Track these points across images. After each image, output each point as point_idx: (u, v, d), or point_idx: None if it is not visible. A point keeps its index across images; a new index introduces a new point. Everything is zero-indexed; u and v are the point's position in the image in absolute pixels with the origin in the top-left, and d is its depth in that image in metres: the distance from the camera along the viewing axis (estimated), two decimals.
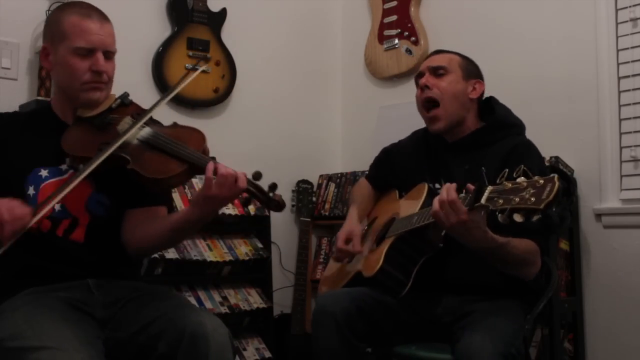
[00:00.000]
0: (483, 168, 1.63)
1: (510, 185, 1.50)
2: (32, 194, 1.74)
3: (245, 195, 1.67)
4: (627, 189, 2.59)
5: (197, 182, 2.97)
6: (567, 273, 2.63)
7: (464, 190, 1.68)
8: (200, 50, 3.14)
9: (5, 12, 2.69)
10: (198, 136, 1.77)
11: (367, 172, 2.43)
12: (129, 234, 1.81)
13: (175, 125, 1.86)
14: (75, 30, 1.75)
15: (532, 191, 1.44)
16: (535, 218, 1.44)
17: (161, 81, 3.08)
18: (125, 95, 1.86)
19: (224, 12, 3.25)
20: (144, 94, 3.01)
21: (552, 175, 1.46)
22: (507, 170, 1.55)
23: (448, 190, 1.68)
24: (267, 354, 3.00)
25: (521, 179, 1.49)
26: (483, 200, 1.54)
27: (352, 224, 2.23)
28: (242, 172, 1.65)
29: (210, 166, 1.63)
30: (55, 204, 1.70)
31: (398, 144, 2.32)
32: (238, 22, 3.32)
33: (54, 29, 1.79)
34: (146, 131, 1.76)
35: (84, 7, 1.81)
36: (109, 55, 1.80)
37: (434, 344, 1.97)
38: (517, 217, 1.46)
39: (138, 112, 1.83)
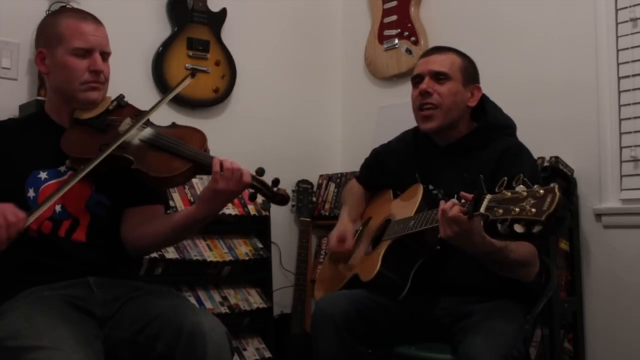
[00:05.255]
0: (481, 176, 1.62)
1: (509, 194, 1.48)
2: (33, 196, 1.74)
3: (250, 190, 1.72)
4: (627, 189, 2.59)
5: (197, 182, 2.97)
6: (567, 273, 2.63)
7: (459, 198, 1.68)
8: (200, 50, 3.14)
9: (5, 12, 2.70)
10: (199, 135, 1.80)
11: (357, 173, 2.40)
12: (129, 233, 1.83)
13: (174, 125, 1.89)
14: (73, 32, 1.78)
15: (532, 201, 1.42)
16: (536, 229, 1.42)
17: (161, 81, 3.08)
18: (121, 97, 1.88)
19: (224, 12, 3.25)
20: (144, 93, 3.02)
21: (552, 185, 1.44)
22: (505, 178, 1.53)
23: (451, 207, 1.67)
24: (267, 354, 3.00)
25: (521, 188, 1.47)
26: (482, 209, 1.53)
27: (345, 224, 2.23)
28: (246, 168, 1.70)
29: (216, 161, 1.67)
30: (55, 205, 1.73)
31: (388, 145, 2.29)
32: (238, 22, 3.32)
33: (49, 33, 1.81)
34: (147, 131, 1.78)
35: (78, 11, 1.86)
36: (105, 56, 1.83)
37: (433, 344, 1.97)
38: (518, 228, 1.44)
39: (136, 114, 1.85)
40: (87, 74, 1.79)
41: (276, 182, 1.73)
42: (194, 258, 2.82)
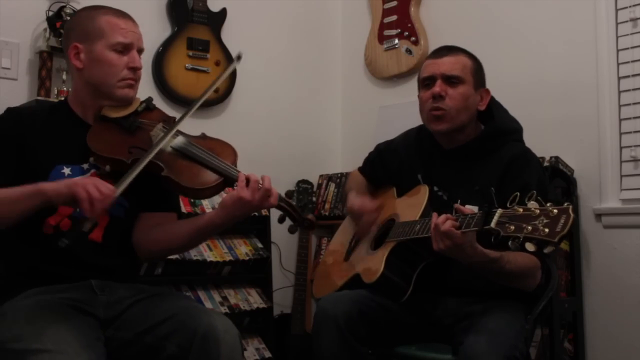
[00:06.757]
0: (492, 189, 1.61)
1: (521, 210, 1.47)
2: None
3: (280, 212, 1.75)
4: (627, 189, 2.59)
5: None
6: (567, 273, 2.63)
7: (462, 203, 1.68)
8: (200, 50, 3.14)
9: (5, 12, 2.69)
10: (230, 150, 1.83)
11: (360, 165, 2.37)
12: (143, 237, 1.83)
13: (204, 136, 1.88)
14: (113, 27, 1.79)
15: (545, 221, 1.41)
16: (547, 249, 1.42)
17: (161, 81, 3.08)
18: (149, 100, 1.89)
19: (224, 12, 3.26)
20: (144, 94, 2.99)
21: (566, 205, 1.43)
22: (517, 194, 1.52)
23: (444, 221, 1.68)
24: (267, 354, 3.00)
25: (533, 205, 1.46)
26: (493, 224, 1.52)
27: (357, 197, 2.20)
28: (275, 189, 1.72)
29: (242, 176, 1.70)
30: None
31: (391, 142, 2.27)
32: (238, 22, 3.32)
33: (86, 27, 1.80)
34: (180, 140, 1.78)
35: (114, 9, 1.86)
36: (140, 53, 1.86)
37: (434, 344, 1.97)
38: (530, 247, 1.43)
39: (164, 119, 1.85)
40: (126, 70, 1.80)
41: (303, 207, 1.74)
42: (194, 258, 2.82)
